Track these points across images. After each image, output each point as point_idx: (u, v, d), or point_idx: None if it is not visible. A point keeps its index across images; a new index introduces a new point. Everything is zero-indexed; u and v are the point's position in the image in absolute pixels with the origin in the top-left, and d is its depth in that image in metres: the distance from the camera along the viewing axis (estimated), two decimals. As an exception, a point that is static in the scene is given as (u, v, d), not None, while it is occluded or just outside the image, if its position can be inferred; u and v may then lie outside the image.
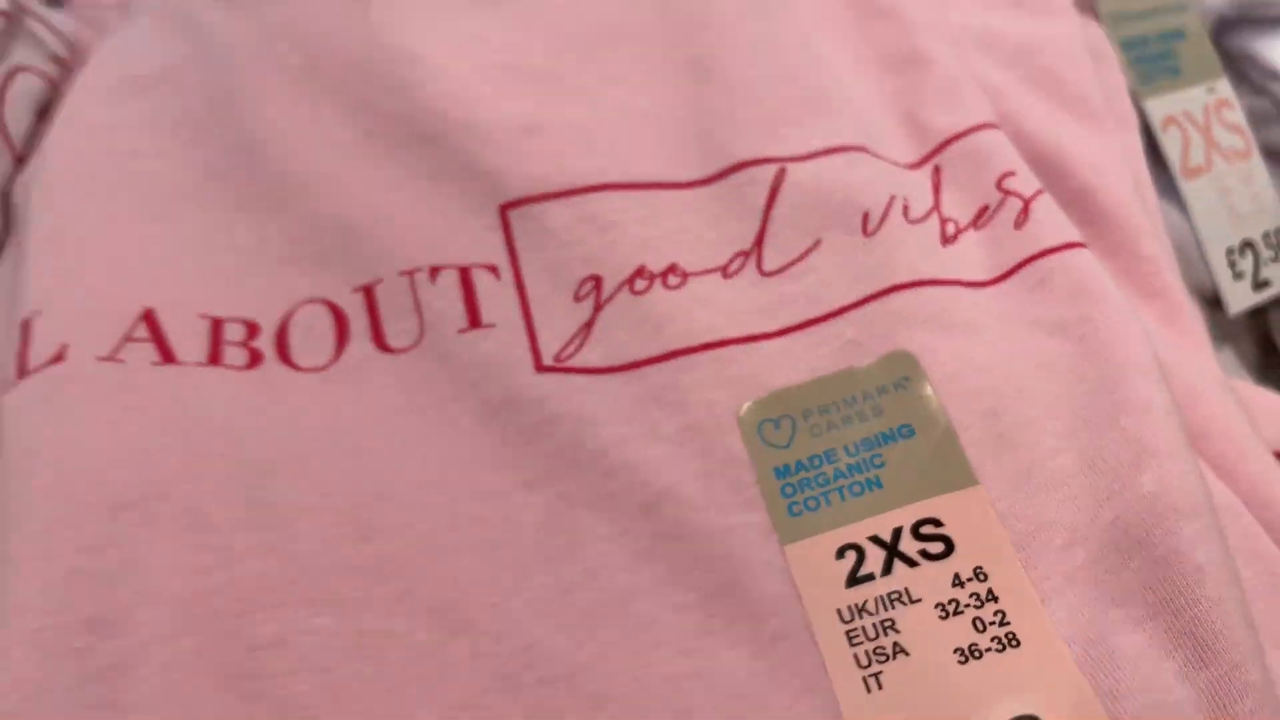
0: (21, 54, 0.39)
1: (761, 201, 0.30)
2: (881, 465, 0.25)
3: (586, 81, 0.33)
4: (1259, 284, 0.40)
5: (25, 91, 0.39)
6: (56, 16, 0.43)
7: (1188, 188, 0.40)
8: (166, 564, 0.24)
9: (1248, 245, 0.40)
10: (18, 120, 0.38)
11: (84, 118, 0.35)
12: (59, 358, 0.27)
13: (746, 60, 0.33)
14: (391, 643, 0.24)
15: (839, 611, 0.23)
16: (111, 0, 0.44)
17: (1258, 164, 0.41)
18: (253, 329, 0.30)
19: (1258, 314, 0.42)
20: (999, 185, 0.30)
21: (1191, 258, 0.40)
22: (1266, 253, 0.40)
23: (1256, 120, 0.44)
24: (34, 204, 0.32)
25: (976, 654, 0.22)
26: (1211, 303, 0.40)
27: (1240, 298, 0.39)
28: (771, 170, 0.30)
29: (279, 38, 0.34)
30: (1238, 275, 0.40)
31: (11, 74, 0.39)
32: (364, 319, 0.29)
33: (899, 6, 0.35)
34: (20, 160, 0.37)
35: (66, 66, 0.42)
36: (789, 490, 0.25)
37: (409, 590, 0.25)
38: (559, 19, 0.34)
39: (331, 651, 0.23)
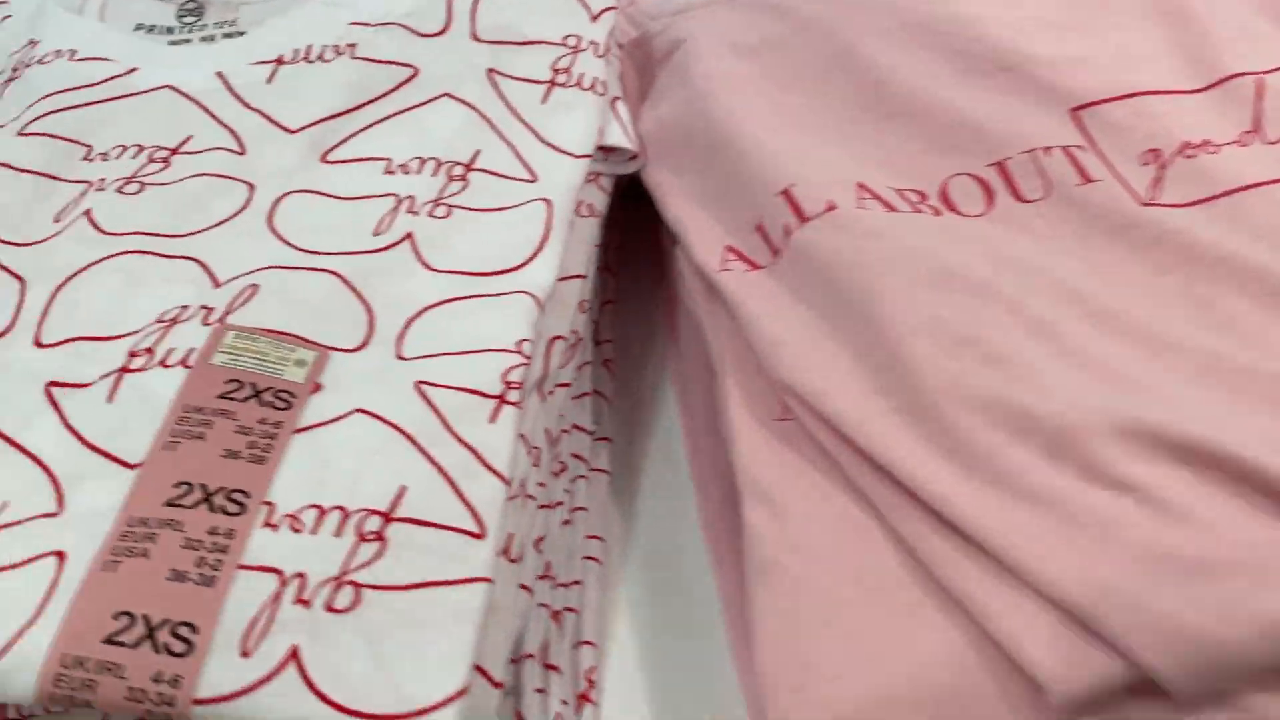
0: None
1: (1251, 98, 0.44)
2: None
3: (1096, 29, 0.47)
4: None
5: (614, 65, 0.53)
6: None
7: None
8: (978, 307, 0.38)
9: None
10: (613, 84, 0.52)
11: (712, 70, 0.49)
12: (831, 207, 0.41)
13: (1201, 10, 0.47)
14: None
15: None
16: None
17: None
18: (922, 195, 0.44)
19: None
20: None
21: None
22: None
23: None
24: (718, 123, 0.46)
25: None
26: None
27: None
28: (1252, 79, 0.45)
29: (865, 11, 0.49)
30: None
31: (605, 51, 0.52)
32: (1001, 183, 0.43)
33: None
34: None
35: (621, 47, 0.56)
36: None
37: None
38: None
39: None
